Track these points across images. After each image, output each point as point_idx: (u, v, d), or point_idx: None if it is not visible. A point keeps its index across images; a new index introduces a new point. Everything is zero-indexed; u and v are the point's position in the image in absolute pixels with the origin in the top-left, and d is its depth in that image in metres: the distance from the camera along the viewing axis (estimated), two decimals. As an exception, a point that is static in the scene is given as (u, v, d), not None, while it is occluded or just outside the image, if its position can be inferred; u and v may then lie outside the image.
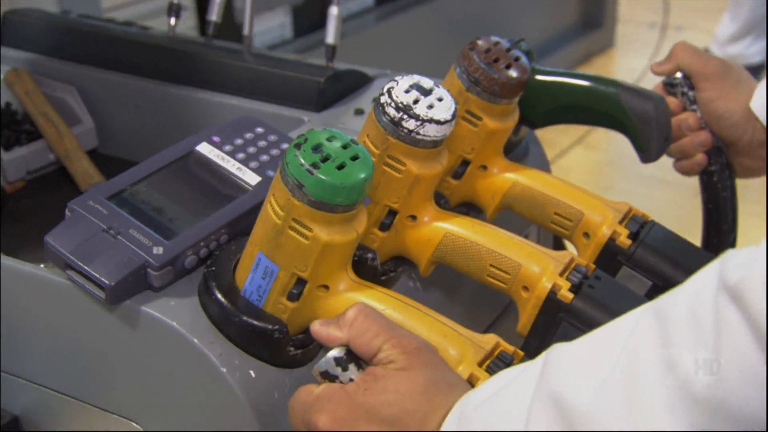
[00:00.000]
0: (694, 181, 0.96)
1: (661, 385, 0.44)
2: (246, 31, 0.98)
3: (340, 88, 0.94)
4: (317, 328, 0.56)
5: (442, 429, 0.53)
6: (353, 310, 0.55)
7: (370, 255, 0.68)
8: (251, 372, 0.63)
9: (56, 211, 0.87)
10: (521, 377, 0.52)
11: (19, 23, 1.08)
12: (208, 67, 0.98)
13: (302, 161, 0.55)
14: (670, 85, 0.89)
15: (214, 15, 1.00)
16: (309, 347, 0.64)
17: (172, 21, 1.03)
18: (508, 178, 0.79)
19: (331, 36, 0.95)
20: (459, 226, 0.69)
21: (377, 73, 0.99)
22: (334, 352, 0.55)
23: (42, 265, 0.70)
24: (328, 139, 0.57)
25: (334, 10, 0.96)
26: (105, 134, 1.02)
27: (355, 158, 0.56)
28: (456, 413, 0.53)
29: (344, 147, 0.57)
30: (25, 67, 1.01)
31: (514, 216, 0.81)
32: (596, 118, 0.85)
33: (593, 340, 0.51)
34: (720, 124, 0.88)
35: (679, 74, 0.88)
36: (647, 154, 0.83)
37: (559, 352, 0.51)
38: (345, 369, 0.54)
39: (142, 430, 0.69)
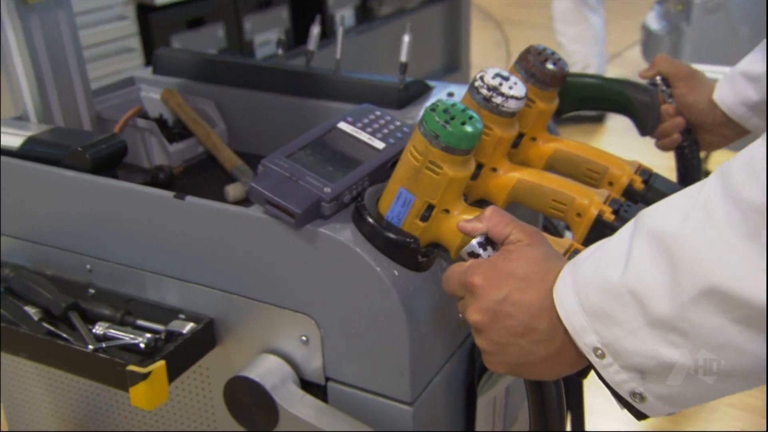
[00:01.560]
0: (668, 164, 1.09)
1: (729, 215, 0.49)
2: (338, 55, 1.08)
3: (411, 92, 1.03)
4: (463, 224, 0.64)
5: (558, 281, 0.59)
6: (490, 209, 0.64)
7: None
8: (395, 271, 0.72)
9: (207, 185, 0.98)
10: (618, 234, 0.58)
11: (166, 57, 1.18)
12: (313, 80, 1.08)
13: (437, 119, 0.64)
14: (653, 85, 1.01)
15: (312, 45, 1.11)
16: (431, 257, 0.74)
17: (280, 51, 1.14)
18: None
19: (404, 55, 1.05)
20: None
21: (434, 84, 1.11)
22: (477, 238, 0.63)
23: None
24: (452, 105, 0.66)
25: (406, 38, 1.05)
26: (233, 134, 1.12)
27: (471, 117, 0.65)
28: (568, 267, 0.59)
29: (463, 111, 0.66)
30: (175, 87, 1.12)
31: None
32: (609, 106, 1.00)
33: (672, 198, 0.56)
34: (690, 111, 1.02)
35: (659, 78, 1.02)
36: (645, 130, 0.98)
37: (647, 209, 0.56)
38: (485, 249, 0.63)
39: (314, 320, 0.78)
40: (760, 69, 0.98)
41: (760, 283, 0.47)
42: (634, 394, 0.56)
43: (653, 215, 0.55)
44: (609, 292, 0.55)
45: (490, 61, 3.39)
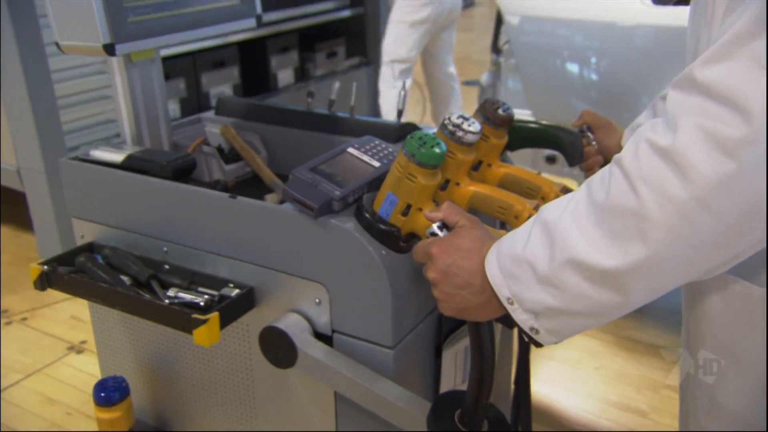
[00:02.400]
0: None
1: (587, 210, 0.64)
2: (352, 102, 1.28)
3: (405, 131, 1.20)
4: (428, 213, 0.82)
5: (488, 253, 0.72)
6: (446, 203, 0.81)
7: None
8: (383, 252, 0.89)
9: (252, 194, 1.17)
10: (527, 222, 0.72)
11: (225, 103, 1.40)
12: (335, 121, 1.28)
13: (414, 143, 0.81)
14: (581, 132, 1.18)
15: (333, 95, 1.32)
16: (409, 243, 0.90)
17: (309, 99, 1.36)
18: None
19: (400, 103, 1.26)
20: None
21: (422, 127, 1.29)
22: (437, 223, 0.81)
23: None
24: (426, 135, 0.83)
25: (402, 92, 1.27)
26: (272, 159, 1.30)
27: (438, 143, 0.82)
28: (495, 244, 0.73)
29: (432, 139, 0.83)
30: (230, 124, 1.33)
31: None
32: (546, 144, 1.19)
33: (562, 198, 0.70)
34: (607, 151, 1.17)
35: (585, 126, 1.19)
36: (571, 162, 1.17)
37: (546, 205, 0.70)
38: (441, 230, 0.80)
39: (325, 287, 0.95)
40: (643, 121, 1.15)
41: (601, 254, 0.62)
42: (532, 328, 0.70)
43: (546, 208, 0.69)
44: (516, 260, 0.69)
45: (412, 115, 3.60)
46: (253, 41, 3.09)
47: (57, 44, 1.05)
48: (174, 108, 2.73)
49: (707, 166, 0.55)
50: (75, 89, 2.44)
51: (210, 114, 1.42)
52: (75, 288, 1.06)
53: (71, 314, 2.24)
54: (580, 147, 1.13)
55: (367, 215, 0.90)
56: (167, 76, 2.50)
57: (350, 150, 1.02)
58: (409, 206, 0.87)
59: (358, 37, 3.64)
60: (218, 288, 1.04)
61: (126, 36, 1.02)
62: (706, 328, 0.77)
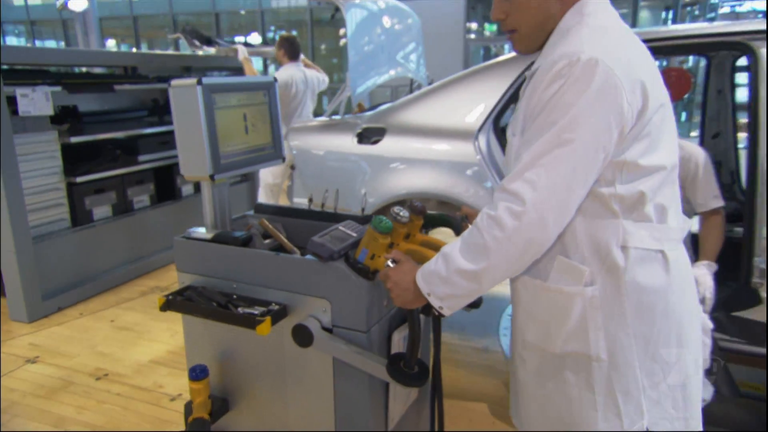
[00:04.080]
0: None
1: (460, 245, 1.08)
2: (336, 209, 1.85)
3: (367, 218, 1.73)
4: (386, 255, 1.32)
5: (417, 273, 1.12)
6: (393, 251, 1.29)
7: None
8: (360, 279, 1.37)
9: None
10: (435, 257, 1.14)
11: (260, 207, 1.91)
12: (332, 216, 1.82)
13: (376, 221, 1.31)
14: (462, 218, 1.53)
15: (330, 202, 1.88)
16: (374, 275, 1.36)
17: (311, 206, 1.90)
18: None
19: (364, 208, 1.82)
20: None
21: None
22: (390, 260, 1.27)
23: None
24: (382, 218, 1.34)
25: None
26: (290, 237, 1.84)
27: (386, 222, 1.34)
28: (421, 268, 1.12)
29: (384, 220, 1.36)
30: (264, 218, 1.85)
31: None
32: (442, 225, 1.59)
33: (455, 242, 1.14)
34: None
35: (464, 215, 1.52)
36: (456, 233, 1.69)
37: (444, 246, 1.19)
38: (393, 263, 1.26)
39: (329, 301, 1.44)
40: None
41: (468, 264, 1.04)
42: (440, 307, 1.12)
43: (444, 248, 1.12)
44: (430, 273, 1.11)
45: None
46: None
47: (181, 175, 1.59)
48: (64, 217, 3.65)
49: (509, 223, 1.01)
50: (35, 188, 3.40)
51: (251, 213, 1.94)
52: (186, 308, 1.53)
53: (29, 342, 3.10)
54: (459, 225, 1.66)
55: (351, 261, 1.39)
56: (101, 191, 3.82)
57: (340, 227, 1.56)
58: (374, 255, 1.33)
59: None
60: (267, 306, 1.52)
61: (219, 170, 1.57)
62: (517, 300, 1.22)
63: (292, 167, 2.77)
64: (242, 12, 15.37)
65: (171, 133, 4.43)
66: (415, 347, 1.37)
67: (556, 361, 1.16)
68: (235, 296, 1.57)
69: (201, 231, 1.67)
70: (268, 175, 4.21)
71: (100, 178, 3.71)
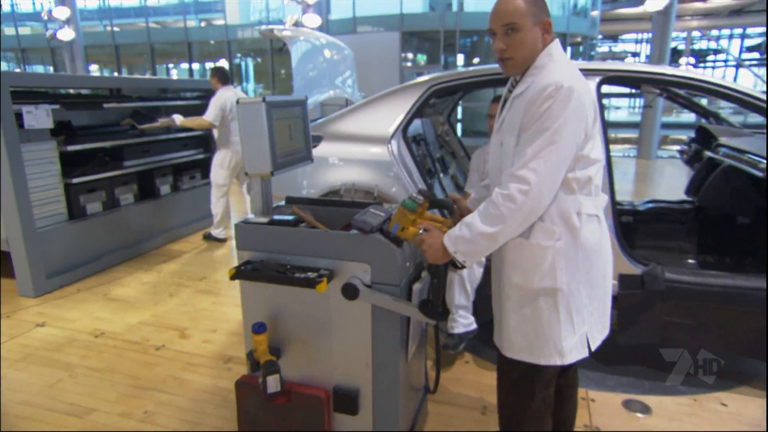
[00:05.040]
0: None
1: (479, 215, 1.52)
2: (343, 194, 2.27)
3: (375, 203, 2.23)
4: (420, 225, 1.84)
5: (444, 237, 1.61)
6: (426, 223, 1.78)
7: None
8: (395, 248, 1.83)
9: None
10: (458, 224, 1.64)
11: (290, 198, 2.33)
12: (357, 204, 2.26)
13: (406, 204, 1.78)
14: (452, 201, 2.26)
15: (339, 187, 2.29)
16: (402, 243, 1.85)
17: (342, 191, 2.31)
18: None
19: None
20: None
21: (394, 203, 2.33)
22: (422, 229, 1.74)
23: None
24: (409, 198, 1.82)
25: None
26: (319, 219, 2.25)
27: (413, 204, 1.83)
28: (447, 233, 1.60)
29: (415, 199, 1.84)
30: (296, 206, 2.26)
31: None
32: (440, 206, 2.15)
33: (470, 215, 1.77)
34: (464, 211, 2.25)
35: (453, 199, 2.27)
36: (451, 213, 2.23)
37: (468, 216, 1.65)
38: (424, 231, 1.73)
39: (369, 264, 1.87)
40: (475, 195, 1.94)
41: (487, 228, 1.50)
42: (463, 261, 1.59)
43: (465, 218, 1.55)
44: (456, 237, 1.53)
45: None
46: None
47: (246, 173, 1.97)
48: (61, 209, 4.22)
49: (519, 198, 1.45)
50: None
51: (284, 203, 2.34)
52: (254, 276, 1.92)
53: (37, 311, 3.72)
54: (452, 207, 1.83)
55: (386, 232, 1.85)
56: (92, 190, 4.43)
57: (371, 209, 2.00)
58: (403, 228, 1.79)
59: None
60: (316, 272, 1.92)
61: (276, 167, 1.97)
62: (505, 254, 1.66)
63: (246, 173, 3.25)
64: (212, 42, 17.63)
65: (151, 143, 4.80)
66: (439, 293, 1.84)
67: (533, 294, 1.62)
68: (289, 266, 1.96)
69: (252, 217, 2.04)
70: (218, 178, 5.01)
71: (92, 179, 4.34)
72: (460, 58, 14.82)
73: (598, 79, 2.68)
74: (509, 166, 1.58)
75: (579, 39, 16.33)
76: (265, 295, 2.03)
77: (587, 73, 2.70)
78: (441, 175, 3.87)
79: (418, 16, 14.54)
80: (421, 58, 15.26)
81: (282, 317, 2.05)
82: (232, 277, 1.93)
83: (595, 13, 16.56)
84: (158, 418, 2.49)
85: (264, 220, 2.02)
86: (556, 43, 1.63)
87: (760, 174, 2.73)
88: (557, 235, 1.59)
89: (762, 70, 26.01)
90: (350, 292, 1.88)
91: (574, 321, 1.63)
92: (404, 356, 2.02)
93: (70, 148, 4.09)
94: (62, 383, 2.79)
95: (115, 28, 18.70)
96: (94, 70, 19.81)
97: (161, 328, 3.46)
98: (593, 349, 1.68)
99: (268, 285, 1.96)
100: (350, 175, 3.06)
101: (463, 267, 1.64)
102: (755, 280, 2.48)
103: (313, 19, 9.93)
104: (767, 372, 2.86)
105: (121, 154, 4.59)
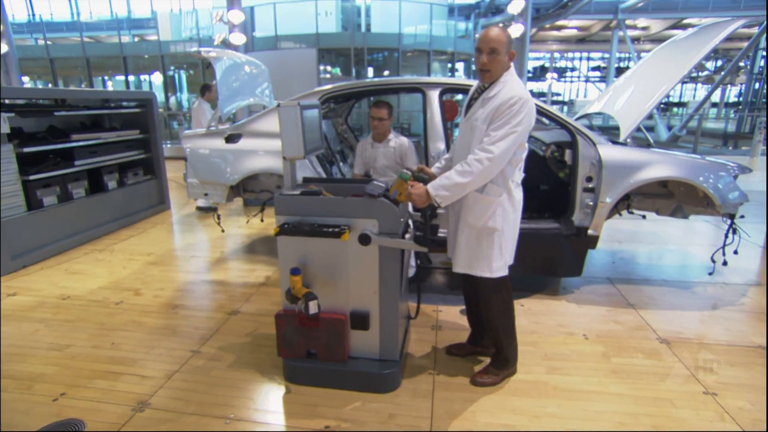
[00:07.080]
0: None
1: (456, 171, 2.36)
2: (362, 172, 2.91)
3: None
4: (409, 184, 2.53)
5: (428, 186, 2.42)
6: (413, 183, 2.51)
7: (396, 200, 2.55)
8: (395, 207, 2.55)
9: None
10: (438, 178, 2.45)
11: (309, 180, 2.90)
12: (366, 180, 2.89)
13: (402, 176, 2.51)
14: (421, 171, 2.98)
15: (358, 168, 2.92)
16: (398, 204, 2.57)
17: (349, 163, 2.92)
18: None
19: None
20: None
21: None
22: (410, 186, 2.49)
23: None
24: (403, 172, 2.54)
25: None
26: (329, 191, 2.86)
27: (407, 176, 2.54)
28: (431, 183, 2.40)
29: (406, 174, 2.54)
30: (313, 185, 2.86)
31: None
32: (418, 179, 2.93)
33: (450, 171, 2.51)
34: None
35: (420, 168, 2.99)
36: (425, 183, 2.94)
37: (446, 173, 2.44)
38: (412, 188, 2.48)
39: (377, 219, 2.54)
40: (440, 165, 2.85)
41: (461, 179, 2.33)
42: (439, 205, 2.42)
43: (445, 173, 2.43)
44: (436, 186, 2.37)
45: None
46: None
47: (284, 157, 2.55)
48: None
49: (485, 162, 2.29)
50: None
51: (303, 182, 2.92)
52: (293, 232, 2.52)
53: (5, 285, 4.22)
54: (425, 179, 2.81)
55: (388, 196, 2.56)
56: (49, 185, 5.01)
57: (374, 182, 2.69)
58: (399, 193, 2.55)
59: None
60: (337, 227, 2.57)
61: (306, 153, 2.57)
62: (464, 202, 2.53)
63: (185, 159, 4.24)
64: (146, 56, 18.03)
65: (98, 145, 5.51)
66: (428, 228, 2.55)
67: (481, 231, 2.46)
68: (316, 225, 2.57)
69: (286, 191, 2.63)
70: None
71: (47, 176, 4.96)
72: (371, 71, 15.89)
73: (439, 90, 3.77)
74: (479, 143, 2.32)
75: (464, 56, 17.96)
76: (297, 247, 2.63)
77: (430, 85, 3.75)
78: (341, 164, 4.80)
79: (333, 35, 15.60)
80: (335, 71, 16.18)
81: (311, 263, 2.65)
82: (277, 234, 2.51)
83: (478, 36, 18.33)
84: (123, 346, 3.17)
85: (296, 192, 2.61)
86: (512, 67, 2.41)
87: (541, 153, 3.99)
88: (500, 192, 2.43)
89: (603, 85, 33.89)
90: (365, 239, 2.54)
91: (503, 249, 2.47)
92: (400, 288, 2.70)
93: (26, 149, 4.63)
94: (40, 332, 3.36)
95: (48, 42, 18.80)
96: (26, 81, 19.91)
97: (118, 290, 4.06)
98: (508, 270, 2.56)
99: (300, 238, 2.56)
100: (265, 162, 3.86)
101: (440, 207, 2.37)
102: (551, 223, 3.72)
103: (239, 37, 10.23)
104: (767, 373, 3.02)
105: (72, 154, 5.23)
